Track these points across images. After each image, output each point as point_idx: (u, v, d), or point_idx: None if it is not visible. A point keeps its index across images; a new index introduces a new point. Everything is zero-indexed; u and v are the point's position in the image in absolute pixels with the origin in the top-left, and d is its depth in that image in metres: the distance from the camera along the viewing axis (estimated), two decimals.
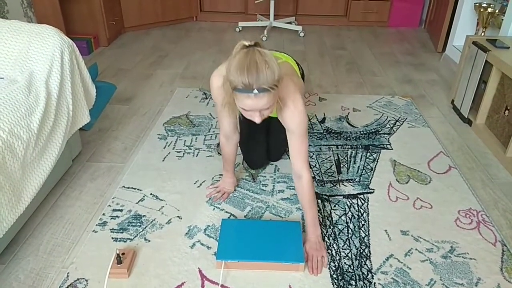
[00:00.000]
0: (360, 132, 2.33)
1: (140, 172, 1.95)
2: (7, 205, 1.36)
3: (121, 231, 1.60)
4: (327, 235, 1.61)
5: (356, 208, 1.76)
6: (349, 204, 1.78)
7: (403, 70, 3.28)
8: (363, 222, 1.68)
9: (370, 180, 1.94)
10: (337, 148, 2.18)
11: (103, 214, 1.69)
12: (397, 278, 1.43)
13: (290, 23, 4.26)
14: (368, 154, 2.13)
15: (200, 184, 1.88)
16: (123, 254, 1.44)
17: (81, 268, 1.44)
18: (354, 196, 1.83)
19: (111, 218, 1.67)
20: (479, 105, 2.35)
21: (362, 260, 1.51)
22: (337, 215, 1.72)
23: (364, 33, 4.25)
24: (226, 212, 1.72)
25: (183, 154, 2.10)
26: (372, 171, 2.00)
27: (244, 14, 4.45)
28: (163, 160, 2.04)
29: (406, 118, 2.49)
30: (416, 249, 1.55)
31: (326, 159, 2.09)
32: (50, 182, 1.77)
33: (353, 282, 1.41)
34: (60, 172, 1.87)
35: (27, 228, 1.62)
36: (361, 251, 1.54)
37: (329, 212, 1.73)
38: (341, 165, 2.04)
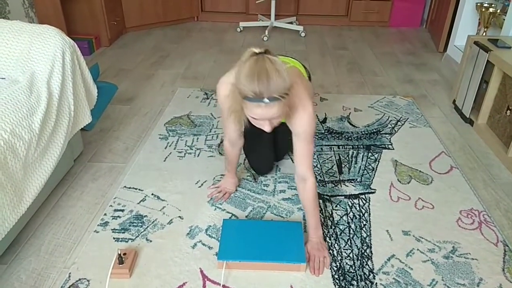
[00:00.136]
0: (361, 132, 2.33)
1: (141, 172, 1.95)
2: (9, 205, 1.36)
3: (123, 231, 1.61)
4: (328, 235, 1.61)
5: (358, 208, 1.76)
6: (350, 204, 1.78)
7: (404, 70, 3.28)
8: (364, 222, 1.68)
9: (372, 180, 1.93)
10: (339, 148, 2.18)
11: (105, 214, 1.69)
12: (399, 279, 1.43)
13: (291, 23, 4.26)
14: (370, 154, 2.13)
15: (202, 184, 1.88)
16: (124, 254, 1.44)
17: (83, 268, 1.44)
18: (356, 196, 1.83)
19: (112, 218, 1.67)
20: (481, 105, 2.35)
21: (363, 260, 1.50)
22: (339, 215, 1.72)
23: (365, 33, 4.24)
24: (228, 212, 1.72)
25: (184, 154, 2.10)
26: (373, 171, 1.99)
27: (245, 14, 4.45)
28: (164, 160, 2.04)
29: (408, 118, 2.49)
30: (417, 250, 1.55)
31: (327, 159, 2.08)
32: (52, 182, 1.77)
33: (354, 283, 1.41)
34: (62, 172, 1.87)
35: (29, 228, 1.62)
36: (363, 251, 1.54)
37: (330, 213, 1.73)
38: (343, 165, 2.04)
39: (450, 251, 1.55)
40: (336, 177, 1.96)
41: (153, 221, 1.66)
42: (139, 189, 1.84)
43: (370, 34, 4.23)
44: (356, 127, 2.39)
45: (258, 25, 4.24)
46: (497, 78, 2.24)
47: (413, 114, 2.54)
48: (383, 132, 2.34)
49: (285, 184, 1.90)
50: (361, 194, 1.84)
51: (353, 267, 1.47)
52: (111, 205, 1.74)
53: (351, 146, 2.19)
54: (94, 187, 1.86)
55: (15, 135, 1.39)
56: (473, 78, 2.41)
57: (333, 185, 1.90)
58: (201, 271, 1.44)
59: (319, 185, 1.89)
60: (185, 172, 1.96)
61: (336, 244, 1.57)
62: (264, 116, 1.23)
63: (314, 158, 2.08)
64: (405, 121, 2.45)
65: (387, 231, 1.64)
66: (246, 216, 1.70)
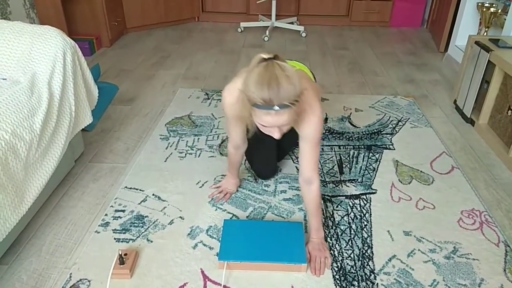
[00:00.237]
0: (362, 132, 2.33)
1: (142, 172, 1.95)
2: (10, 205, 1.36)
3: (124, 231, 1.61)
4: (329, 236, 1.61)
5: (359, 208, 1.76)
6: (351, 205, 1.78)
7: (405, 70, 3.27)
8: (365, 223, 1.68)
9: (373, 180, 1.93)
10: (339, 148, 2.18)
11: (106, 215, 1.69)
12: (400, 279, 1.43)
13: (292, 23, 4.26)
14: (371, 154, 2.13)
15: (202, 185, 1.88)
16: (125, 254, 1.44)
17: (84, 268, 1.44)
18: (357, 196, 1.83)
19: (113, 219, 1.67)
20: (482, 105, 2.35)
21: (364, 260, 1.50)
22: (340, 215, 1.72)
23: (366, 33, 4.24)
24: (228, 212, 1.72)
25: (185, 154, 2.10)
26: (374, 172, 1.99)
27: (246, 14, 4.45)
28: (165, 161, 2.04)
29: (409, 118, 2.49)
30: (419, 250, 1.55)
31: (328, 159, 2.08)
32: (53, 182, 1.77)
33: (355, 283, 1.41)
34: (63, 173, 1.87)
35: (30, 229, 1.62)
36: (364, 251, 1.54)
37: (331, 213, 1.73)
38: (344, 166, 2.04)
39: (451, 252, 1.54)
40: (337, 177, 1.96)
41: (154, 222, 1.66)
42: (140, 190, 1.84)
43: (371, 34, 4.22)
44: (357, 127, 2.38)
45: (259, 26, 4.24)
46: (498, 78, 2.24)
47: (414, 114, 2.54)
48: (384, 132, 2.34)
49: (286, 184, 1.90)
50: (362, 194, 1.84)
51: (354, 268, 1.47)
52: (112, 206, 1.74)
53: (352, 146, 2.19)
54: (95, 188, 1.87)
55: (16, 136, 1.40)
56: (474, 78, 2.41)
57: (334, 186, 1.90)
58: (202, 272, 1.44)
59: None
60: (186, 173, 1.96)
61: (337, 245, 1.57)
62: (274, 124, 1.20)
63: None
64: (406, 121, 2.45)
65: (388, 231, 1.64)
66: (247, 217, 1.70)
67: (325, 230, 1.63)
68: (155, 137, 2.25)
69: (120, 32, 3.88)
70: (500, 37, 2.50)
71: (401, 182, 1.93)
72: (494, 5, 2.94)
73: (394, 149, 2.17)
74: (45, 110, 1.55)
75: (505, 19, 2.70)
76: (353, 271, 1.46)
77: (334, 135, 2.29)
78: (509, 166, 2.05)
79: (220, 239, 1.56)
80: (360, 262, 1.50)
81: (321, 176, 1.95)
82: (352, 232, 1.63)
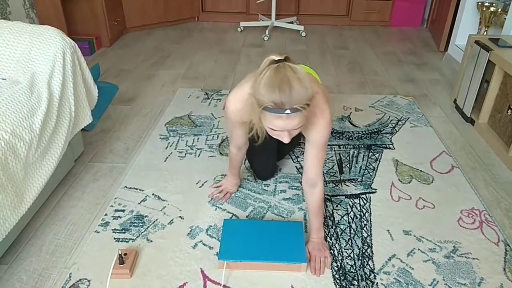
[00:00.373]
0: (362, 131, 2.33)
1: (142, 172, 1.95)
2: (10, 205, 1.36)
3: (123, 231, 1.61)
4: (329, 235, 1.61)
5: (358, 208, 1.76)
6: (351, 204, 1.78)
7: (405, 70, 3.27)
8: (365, 222, 1.68)
9: (372, 180, 1.93)
10: (339, 148, 2.18)
11: (105, 215, 1.69)
12: (400, 278, 1.43)
13: (291, 22, 4.26)
14: (370, 154, 2.13)
15: (202, 185, 1.88)
16: (125, 254, 1.44)
17: (83, 268, 1.44)
18: (357, 196, 1.83)
19: (113, 219, 1.67)
20: (482, 104, 2.35)
21: (364, 260, 1.50)
22: (339, 215, 1.72)
23: (366, 33, 4.24)
24: (228, 212, 1.72)
25: (185, 154, 2.10)
26: (374, 171, 1.99)
27: (246, 14, 4.45)
28: (165, 161, 2.04)
29: (409, 118, 2.49)
30: (418, 249, 1.55)
31: (328, 159, 2.08)
32: (52, 182, 1.77)
33: (355, 282, 1.41)
34: (63, 172, 1.87)
35: (30, 229, 1.62)
36: (364, 251, 1.54)
37: (331, 212, 1.73)
38: (343, 165, 2.04)
39: (451, 251, 1.54)
40: (337, 176, 1.95)
41: (154, 221, 1.66)
42: (140, 189, 1.84)
43: (371, 33, 4.22)
44: (357, 126, 2.38)
45: (259, 25, 4.24)
46: (498, 78, 2.23)
47: (414, 114, 2.54)
48: (384, 131, 2.33)
49: (285, 184, 1.90)
50: (362, 193, 1.84)
51: (354, 267, 1.47)
52: (111, 205, 1.74)
53: (352, 146, 2.19)
54: (94, 187, 1.87)
55: (15, 136, 1.40)
56: (474, 77, 2.41)
57: (334, 185, 1.90)
58: (202, 271, 1.44)
59: None
60: (186, 172, 1.96)
61: (337, 244, 1.57)
62: (284, 128, 1.17)
63: None
64: (406, 121, 2.45)
65: (388, 230, 1.64)
66: (247, 216, 1.70)
67: (325, 230, 1.63)
68: (155, 137, 2.25)
69: (119, 32, 3.88)
70: (500, 36, 2.49)
71: (401, 181, 1.93)
72: (494, 4, 2.94)
73: (394, 149, 2.17)
74: (45, 110, 1.55)
75: (505, 18, 2.70)
76: (353, 271, 1.46)
77: (334, 135, 2.29)
78: (509, 166, 2.05)
79: (220, 238, 1.57)
80: (360, 261, 1.50)
81: None
82: (352, 231, 1.63)
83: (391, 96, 2.77)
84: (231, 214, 1.71)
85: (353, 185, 1.90)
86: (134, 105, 2.63)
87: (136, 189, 1.84)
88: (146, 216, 1.69)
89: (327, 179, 1.93)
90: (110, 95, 2.66)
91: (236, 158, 1.72)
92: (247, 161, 2.00)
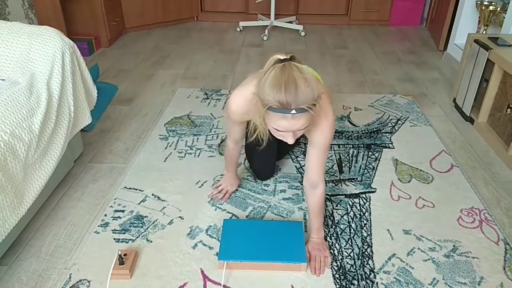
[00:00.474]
0: (361, 131, 2.33)
1: (141, 172, 1.95)
2: (9, 206, 1.36)
3: (123, 232, 1.61)
4: (329, 235, 1.61)
5: (358, 207, 1.76)
6: (351, 204, 1.78)
7: (404, 69, 3.27)
8: (365, 222, 1.68)
9: (372, 179, 1.93)
10: (339, 147, 2.18)
11: (105, 215, 1.69)
12: (400, 278, 1.43)
13: (291, 22, 4.26)
14: (370, 153, 2.13)
15: (202, 185, 1.88)
16: (125, 255, 1.44)
17: (83, 269, 1.44)
18: (356, 195, 1.83)
19: (113, 219, 1.67)
20: (481, 103, 2.35)
21: (364, 259, 1.50)
22: (339, 214, 1.72)
23: (365, 32, 4.24)
24: (228, 212, 1.72)
25: (185, 154, 2.10)
26: (374, 170, 1.99)
27: (245, 13, 4.45)
28: (164, 161, 2.04)
29: (408, 117, 2.49)
30: (418, 248, 1.55)
31: (327, 158, 2.08)
32: (52, 183, 1.77)
33: (355, 282, 1.41)
34: (62, 173, 1.87)
35: (29, 230, 1.62)
36: (363, 250, 1.54)
37: (331, 212, 1.73)
38: (343, 165, 2.04)
39: (451, 250, 1.54)
40: (337, 176, 1.95)
41: (154, 222, 1.66)
42: (140, 190, 1.84)
43: (370, 33, 4.22)
44: (357, 126, 2.38)
45: (258, 25, 4.24)
46: (498, 76, 2.23)
47: (413, 113, 2.54)
48: (383, 131, 2.33)
49: (285, 183, 1.90)
50: (362, 193, 1.84)
51: (354, 267, 1.47)
52: (111, 206, 1.74)
53: (351, 145, 2.19)
54: (94, 188, 1.87)
55: (15, 137, 1.39)
56: (473, 76, 2.41)
57: (334, 185, 1.90)
58: (202, 272, 1.44)
59: None
60: (185, 172, 1.96)
61: (336, 244, 1.57)
62: (289, 128, 1.15)
63: None
64: (405, 120, 2.45)
65: (387, 230, 1.64)
66: (247, 216, 1.70)
67: (325, 229, 1.63)
68: (154, 137, 2.25)
69: (119, 32, 3.88)
70: (499, 35, 2.49)
71: (400, 180, 1.93)
72: (493, 3, 2.94)
73: (394, 148, 2.17)
74: (44, 111, 1.55)
75: (504, 17, 2.70)
76: (353, 270, 1.46)
77: (334, 134, 2.28)
78: (509, 164, 2.05)
79: (219, 238, 1.56)
80: (359, 261, 1.50)
81: None
82: (352, 231, 1.63)
83: (391, 96, 2.77)
84: (231, 214, 1.71)
85: (353, 184, 1.90)
86: (133, 105, 2.62)
87: (136, 189, 1.84)
88: (145, 216, 1.69)
89: (327, 179, 1.93)
90: (110, 95, 2.66)
91: (233, 153, 1.71)
92: (247, 161, 2.00)
